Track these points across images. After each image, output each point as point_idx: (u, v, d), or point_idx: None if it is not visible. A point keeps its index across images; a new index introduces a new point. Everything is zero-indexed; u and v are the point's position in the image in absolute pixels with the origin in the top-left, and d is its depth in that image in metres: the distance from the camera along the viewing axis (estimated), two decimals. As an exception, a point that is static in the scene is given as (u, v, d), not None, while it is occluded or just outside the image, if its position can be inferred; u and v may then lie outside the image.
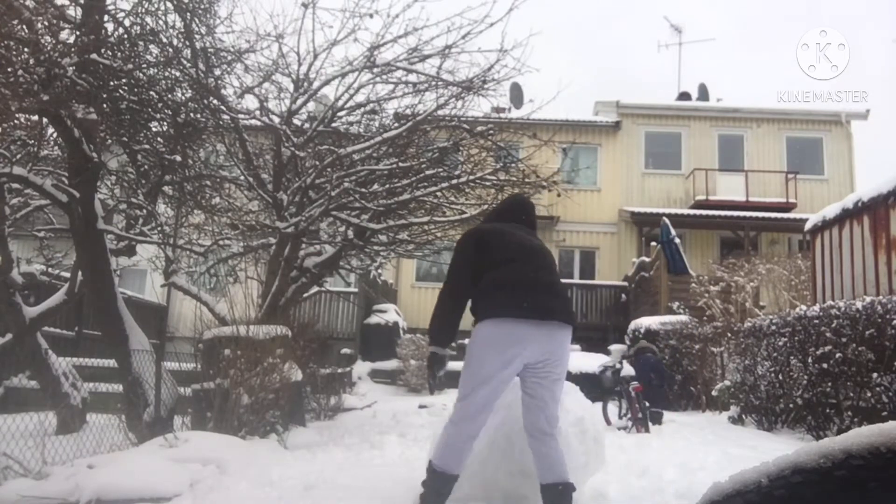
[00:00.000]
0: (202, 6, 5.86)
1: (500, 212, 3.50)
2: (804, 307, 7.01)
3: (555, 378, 3.04)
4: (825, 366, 5.90)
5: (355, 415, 8.58)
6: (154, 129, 6.03)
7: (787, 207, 17.61)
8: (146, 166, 6.35)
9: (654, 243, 15.36)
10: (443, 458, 2.99)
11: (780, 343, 6.69)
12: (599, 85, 42.45)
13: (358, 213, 7.07)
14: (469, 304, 3.12)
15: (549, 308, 2.96)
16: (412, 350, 12.91)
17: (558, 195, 8.86)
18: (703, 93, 21.08)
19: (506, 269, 3.03)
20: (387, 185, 7.05)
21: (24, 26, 4.37)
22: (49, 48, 4.48)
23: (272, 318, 6.32)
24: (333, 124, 7.37)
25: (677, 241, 14.42)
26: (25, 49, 4.34)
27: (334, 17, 6.52)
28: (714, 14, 46.97)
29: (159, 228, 6.80)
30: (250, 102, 7.15)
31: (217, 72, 6.27)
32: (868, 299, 5.76)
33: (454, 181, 7.25)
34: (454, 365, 11.43)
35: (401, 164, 6.86)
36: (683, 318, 11.09)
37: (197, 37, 5.76)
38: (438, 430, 3.87)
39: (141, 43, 5.43)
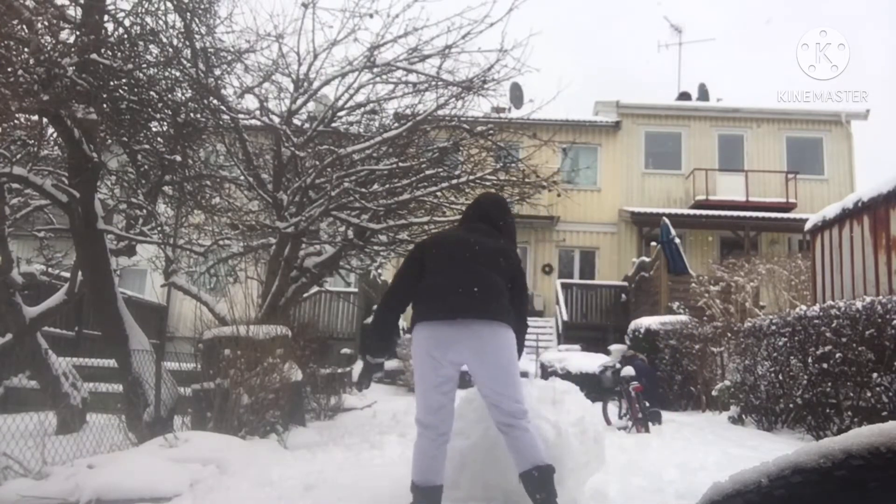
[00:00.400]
0: (202, 6, 5.86)
1: (463, 216, 3.55)
2: (804, 307, 7.00)
3: (491, 374, 3.01)
4: (825, 366, 5.90)
5: (355, 415, 8.58)
6: (154, 129, 6.03)
7: (787, 207, 17.62)
8: (146, 166, 6.35)
9: (654, 243, 15.36)
10: (414, 470, 3.05)
11: (780, 343, 6.68)
12: (599, 85, 42.47)
13: (358, 213, 7.07)
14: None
15: (461, 306, 2.97)
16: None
17: (558, 195, 8.86)
18: (703, 93, 21.09)
19: (430, 278, 3.10)
20: (387, 185, 7.06)
21: (24, 26, 4.37)
22: (49, 48, 4.47)
23: (272, 318, 6.32)
24: (333, 124, 7.37)
25: (677, 241, 14.43)
26: (25, 49, 4.34)
27: (334, 17, 6.54)
28: (714, 14, 46.98)
29: (159, 228, 6.80)
30: (250, 102, 7.17)
31: (217, 72, 6.27)
32: (868, 299, 5.76)
33: (454, 181, 7.25)
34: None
35: (401, 164, 6.87)
36: (683, 318, 11.09)
37: (197, 37, 5.76)
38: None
39: (141, 43, 5.43)
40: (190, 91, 5.94)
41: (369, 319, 15.15)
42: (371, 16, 6.42)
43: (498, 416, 3.01)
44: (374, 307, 3.25)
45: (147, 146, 5.98)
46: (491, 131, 7.28)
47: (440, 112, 6.88)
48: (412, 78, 6.89)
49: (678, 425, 7.19)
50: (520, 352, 3.20)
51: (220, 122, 6.60)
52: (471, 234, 3.28)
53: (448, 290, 3.03)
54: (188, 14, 5.58)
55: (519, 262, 3.35)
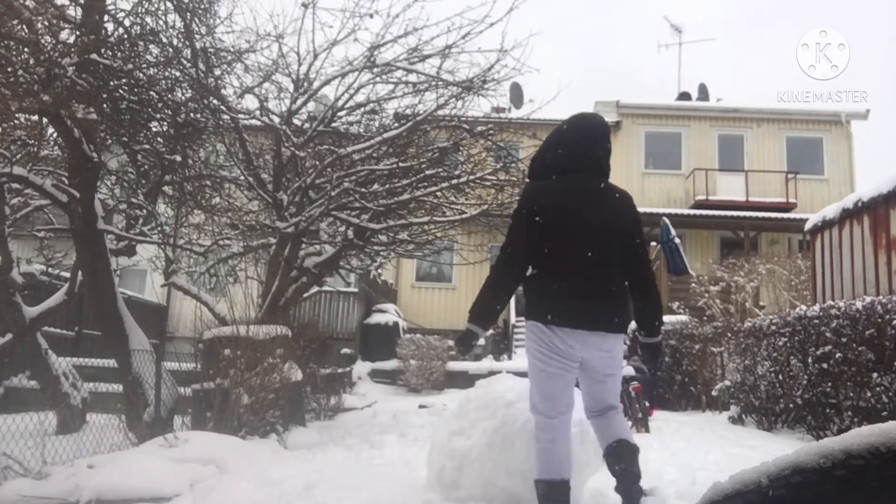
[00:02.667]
0: (202, 6, 5.86)
1: (562, 159, 2.89)
2: (804, 307, 7.00)
3: (607, 378, 2.94)
4: (825, 366, 5.90)
5: (355, 415, 8.58)
6: (154, 129, 6.03)
7: (787, 207, 17.61)
8: (146, 166, 6.35)
9: (654, 243, 15.35)
10: (543, 468, 2.85)
11: (780, 343, 6.68)
12: (599, 85, 42.46)
13: (358, 213, 7.07)
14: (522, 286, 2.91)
15: (590, 318, 2.76)
16: (412, 350, 12.91)
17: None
18: (703, 93, 21.08)
19: (558, 265, 2.77)
20: (387, 185, 7.06)
21: (24, 26, 4.37)
22: (49, 48, 4.48)
23: (272, 318, 6.32)
24: (333, 124, 7.38)
25: (677, 241, 14.42)
26: (25, 49, 4.34)
27: (334, 17, 6.54)
28: (714, 14, 46.98)
29: (159, 228, 6.80)
30: (250, 102, 7.17)
31: (217, 72, 6.28)
32: (868, 299, 5.76)
33: (454, 181, 7.26)
34: (453, 365, 11.42)
35: (401, 164, 6.87)
36: (683, 318, 11.09)
37: (197, 37, 5.76)
38: (438, 430, 3.88)
39: (141, 43, 5.44)
40: (190, 91, 5.94)
41: (370, 319, 15.15)
42: (371, 16, 6.43)
43: (596, 405, 2.99)
44: (489, 277, 2.95)
45: (147, 146, 5.98)
46: (491, 131, 7.29)
47: (440, 112, 6.88)
48: (412, 78, 6.89)
49: (678, 425, 7.18)
50: (659, 326, 2.97)
51: (220, 122, 6.61)
52: (585, 198, 2.80)
53: (575, 295, 2.74)
54: (188, 14, 5.58)
55: (635, 218, 2.95)
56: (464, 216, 7.55)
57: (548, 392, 2.87)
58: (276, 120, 6.96)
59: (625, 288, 2.88)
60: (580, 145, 2.86)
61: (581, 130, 2.91)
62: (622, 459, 2.88)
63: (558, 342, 2.77)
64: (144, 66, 5.43)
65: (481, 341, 15.95)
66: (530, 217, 2.80)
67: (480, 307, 2.94)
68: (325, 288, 11.23)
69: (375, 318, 14.57)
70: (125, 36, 5.30)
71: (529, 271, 2.88)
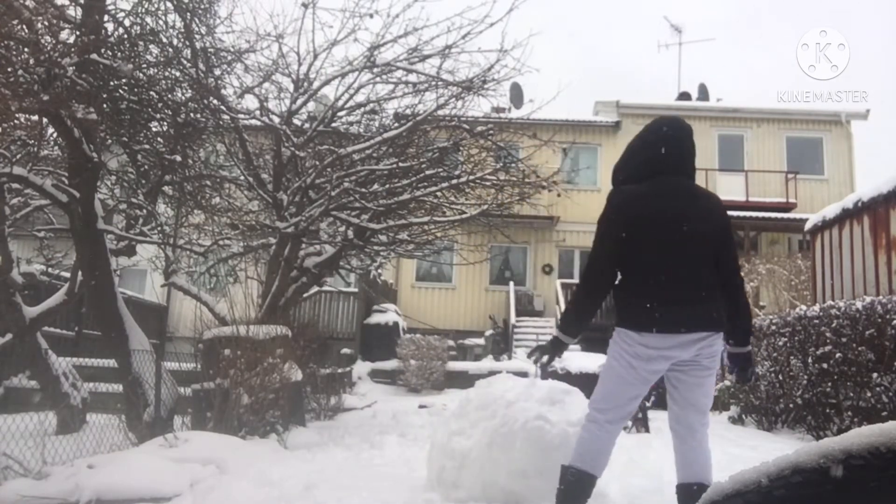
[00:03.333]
0: (202, 6, 5.86)
1: (651, 161, 2.82)
2: (804, 307, 7.00)
3: (697, 387, 2.81)
4: (825, 366, 5.90)
5: (355, 415, 8.58)
6: (154, 129, 6.03)
7: (787, 207, 17.61)
8: (146, 166, 6.35)
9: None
10: (577, 456, 2.81)
11: (780, 343, 6.68)
12: (599, 85, 42.46)
13: (358, 213, 7.07)
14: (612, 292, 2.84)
15: (687, 320, 2.67)
16: (412, 350, 12.91)
17: (558, 195, 8.87)
18: (703, 93, 21.08)
19: (652, 272, 2.70)
20: (387, 185, 7.06)
21: (24, 26, 4.37)
22: (49, 48, 4.48)
23: (272, 318, 6.32)
24: (333, 124, 7.37)
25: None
26: (25, 49, 4.34)
27: (334, 17, 6.54)
28: (714, 14, 46.98)
29: (159, 228, 6.80)
30: (250, 102, 7.17)
31: (217, 72, 6.28)
32: (868, 299, 5.76)
33: (454, 181, 7.26)
34: (453, 365, 11.44)
35: (401, 164, 6.87)
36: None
37: (197, 37, 5.76)
38: (438, 430, 3.89)
39: (141, 43, 5.44)
40: (190, 91, 5.94)
41: (370, 319, 15.10)
42: (371, 16, 6.43)
43: (686, 416, 2.84)
44: (578, 284, 2.88)
45: (147, 146, 5.98)
46: (491, 131, 7.28)
47: (440, 112, 6.88)
48: (412, 78, 6.89)
49: (678, 425, 7.17)
50: (749, 336, 2.85)
51: (220, 122, 6.60)
52: (677, 203, 2.74)
53: (670, 297, 2.67)
54: (188, 14, 5.58)
55: (727, 221, 2.86)
56: (464, 216, 7.55)
57: (616, 398, 2.82)
58: (276, 120, 6.96)
59: (718, 290, 2.79)
60: (669, 147, 2.81)
61: (669, 132, 2.85)
62: None
63: (652, 351, 2.69)
64: (144, 66, 5.43)
65: (480, 341, 15.99)
66: (623, 223, 2.74)
67: (572, 316, 2.90)
68: (325, 288, 11.23)
69: (375, 318, 14.57)
70: (125, 36, 5.30)
71: (620, 278, 2.81)
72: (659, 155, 2.80)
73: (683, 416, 2.85)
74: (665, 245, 2.70)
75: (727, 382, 8.15)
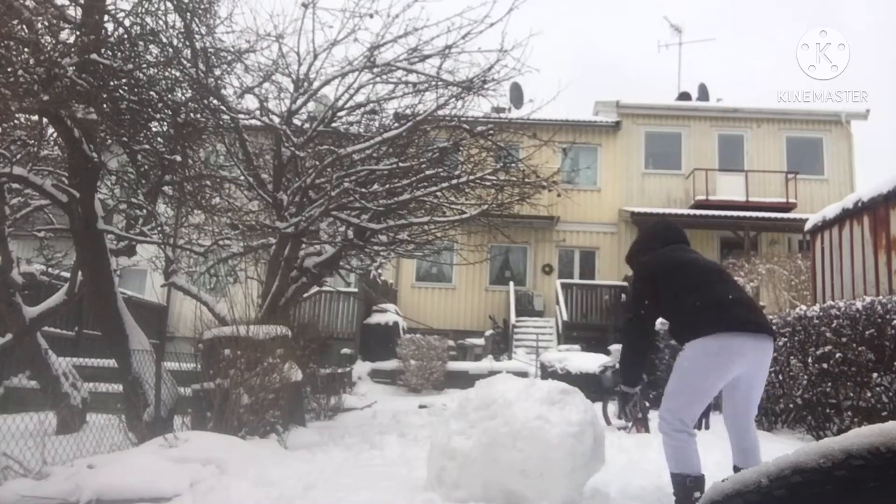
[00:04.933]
0: (202, 6, 5.86)
1: (662, 238, 3.65)
2: (804, 307, 7.00)
3: (758, 386, 3.28)
4: (825, 366, 5.90)
5: (355, 415, 8.59)
6: (154, 129, 6.02)
7: (787, 207, 17.61)
8: (146, 166, 6.35)
9: (654, 243, 15.34)
10: (683, 465, 3.18)
11: (780, 343, 6.68)
12: (599, 85, 42.44)
13: (358, 213, 7.07)
14: (667, 328, 3.44)
15: (759, 322, 3.20)
16: (412, 350, 12.91)
17: (558, 195, 8.87)
18: (703, 93, 21.08)
19: (707, 289, 3.26)
20: (387, 185, 7.05)
21: (24, 26, 4.37)
22: (49, 48, 4.47)
23: (272, 318, 6.31)
24: (333, 124, 7.37)
25: (677, 241, 14.41)
26: (25, 49, 4.33)
27: (334, 17, 6.53)
28: (714, 14, 46.97)
29: (159, 228, 6.80)
30: (250, 102, 7.17)
31: (217, 72, 6.27)
32: (868, 299, 5.76)
33: (454, 181, 7.25)
34: (453, 365, 11.44)
35: (401, 164, 6.86)
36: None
37: (197, 37, 5.76)
38: (438, 430, 3.88)
39: (141, 43, 5.43)
40: (190, 91, 5.94)
41: (370, 319, 15.09)
42: (371, 16, 6.42)
43: (741, 416, 3.32)
44: (623, 338, 3.66)
45: (147, 146, 5.98)
46: (491, 131, 7.28)
47: (440, 112, 6.88)
48: (412, 78, 6.88)
49: (678, 425, 7.17)
50: None
51: (220, 122, 6.60)
52: (691, 252, 3.57)
53: (739, 303, 3.22)
54: (188, 14, 5.58)
55: None
56: (464, 216, 7.55)
57: (696, 404, 3.23)
58: (276, 120, 6.96)
59: None
60: (673, 229, 3.73)
61: (669, 223, 3.87)
62: None
63: (736, 351, 3.11)
64: (144, 66, 5.43)
65: (480, 341, 16.00)
66: (669, 268, 3.43)
67: (630, 370, 3.59)
68: (325, 288, 11.23)
69: (375, 318, 14.57)
70: (125, 36, 5.30)
71: (677, 307, 3.30)
72: (670, 233, 3.66)
73: (743, 412, 3.31)
74: (710, 272, 3.38)
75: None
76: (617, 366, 7.81)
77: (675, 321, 3.35)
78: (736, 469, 3.26)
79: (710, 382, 3.18)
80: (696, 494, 3.12)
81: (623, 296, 16.38)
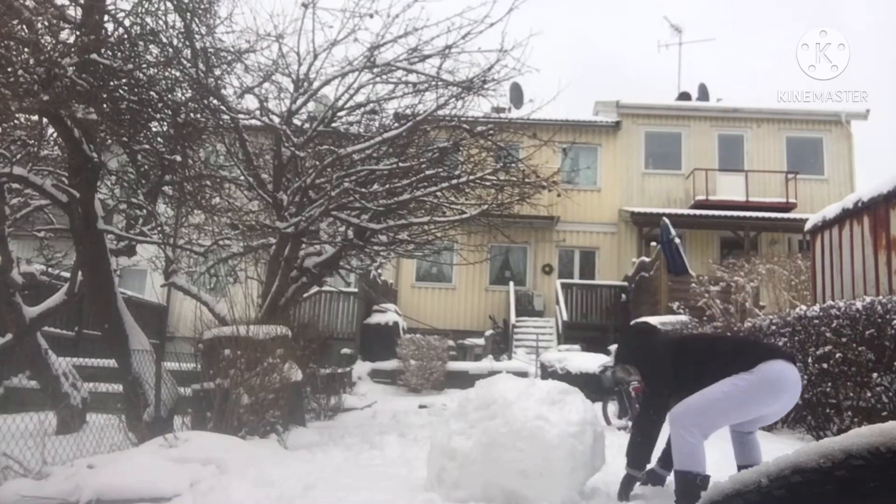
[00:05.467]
0: (202, 6, 5.86)
1: (651, 331, 4.00)
2: (804, 307, 7.00)
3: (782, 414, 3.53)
4: (825, 366, 5.90)
5: (355, 415, 8.59)
6: (154, 129, 6.02)
7: (787, 207, 17.61)
8: (146, 166, 6.35)
9: (654, 243, 15.36)
10: (694, 464, 3.23)
11: (780, 343, 6.68)
12: (599, 84, 42.43)
13: (358, 213, 7.07)
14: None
15: (790, 353, 3.46)
16: (412, 350, 12.91)
17: (558, 195, 8.87)
18: (703, 93, 21.07)
19: (730, 341, 3.75)
20: (387, 185, 7.05)
21: (24, 26, 4.37)
22: (49, 48, 4.47)
23: (272, 318, 6.31)
24: (333, 124, 7.36)
25: (677, 241, 14.42)
26: (25, 49, 4.33)
27: (334, 17, 6.53)
28: (714, 14, 46.97)
29: (159, 228, 6.80)
30: (250, 102, 7.16)
31: (217, 72, 6.27)
32: (868, 299, 5.76)
33: (454, 181, 7.25)
34: (453, 365, 11.43)
35: (401, 164, 6.86)
36: (683, 318, 11.08)
37: (197, 37, 5.76)
38: (438, 430, 3.88)
39: (141, 43, 5.43)
40: (190, 91, 5.94)
41: (370, 319, 15.06)
42: (371, 16, 6.42)
43: (749, 427, 3.49)
44: (643, 417, 3.79)
45: (147, 146, 5.98)
46: (491, 131, 7.28)
47: (440, 112, 6.87)
48: (412, 78, 6.88)
49: (678, 425, 7.17)
50: None
51: (220, 122, 6.60)
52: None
53: (759, 341, 3.59)
54: (188, 14, 5.58)
55: None
56: (464, 216, 7.55)
57: (724, 423, 3.32)
58: (276, 120, 6.96)
59: None
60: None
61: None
62: None
63: (789, 383, 3.24)
64: (144, 66, 5.43)
65: (481, 341, 16.00)
66: (686, 344, 3.81)
67: (640, 455, 3.67)
68: (325, 288, 11.22)
69: (375, 318, 14.56)
70: (125, 36, 5.30)
71: (703, 368, 3.41)
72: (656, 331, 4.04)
73: (749, 426, 3.47)
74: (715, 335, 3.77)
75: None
76: (617, 371, 7.82)
77: (710, 374, 3.35)
78: (740, 468, 3.36)
79: (751, 408, 3.27)
80: (702, 494, 3.14)
81: (623, 296, 16.39)
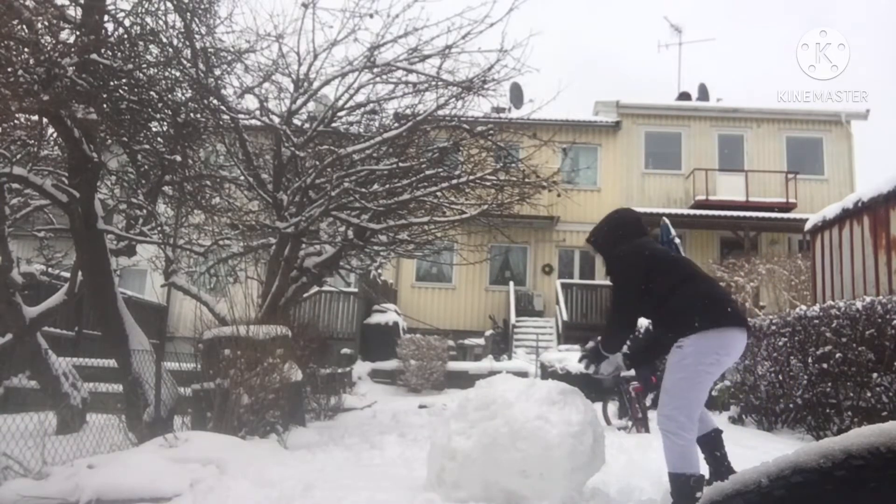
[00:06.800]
0: (202, 6, 5.86)
1: (636, 228, 3.62)
2: (804, 307, 7.00)
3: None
4: (825, 366, 5.90)
5: (355, 415, 8.59)
6: (154, 129, 6.02)
7: (787, 207, 17.61)
8: (146, 166, 6.35)
9: (654, 243, 15.34)
10: (687, 465, 3.17)
11: (780, 343, 6.68)
12: (599, 85, 42.45)
13: (358, 213, 7.07)
14: (652, 322, 3.46)
15: (743, 315, 3.25)
16: (412, 350, 12.91)
17: (558, 195, 8.87)
18: (703, 93, 21.07)
19: (700, 283, 3.30)
20: (387, 185, 7.05)
21: (24, 26, 4.37)
22: (49, 48, 4.47)
23: (272, 318, 6.31)
24: (333, 124, 7.37)
25: (677, 241, 14.38)
26: (25, 49, 4.33)
27: (334, 17, 6.53)
28: (714, 14, 46.98)
29: (159, 228, 6.79)
30: (250, 102, 7.16)
31: (217, 72, 6.27)
32: (868, 299, 5.76)
33: (454, 181, 7.25)
34: (453, 365, 11.43)
35: (401, 164, 6.86)
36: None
37: (197, 37, 5.76)
38: (438, 430, 3.88)
39: (141, 43, 5.43)
40: (190, 91, 5.93)
41: (370, 319, 15.09)
42: (371, 16, 6.42)
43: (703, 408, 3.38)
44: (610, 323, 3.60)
45: (147, 146, 5.98)
46: (491, 131, 7.28)
47: (440, 112, 6.88)
48: (412, 78, 6.88)
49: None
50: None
51: (220, 122, 6.60)
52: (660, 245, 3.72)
53: (730, 299, 3.31)
54: (188, 14, 5.58)
55: None
56: (464, 216, 7.55)
57: (697, 402, 3.21)
58: (276, 120, 6.96)
59: None
60: (642, 223, 3.70)
61: (637, 216, 3.79)
62: (722, 446, 3.45)
63: (732, 348, 3.18)
64: (144, 66, 5.42)
65: (480, 341, 15.99)
66: (658, 257, 3.45)
67: (615, 341, 3.55)
68: (325, 288, 11.22)
69: (375, 318, 14.56)
70: (125, 36, 5.30)
71: (667, 295, 3.26)
72: (641, 227, 3.66)
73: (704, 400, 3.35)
74: (695, 267, 3.42)
75: (727, 382, 8.15)
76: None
77: (667, 313, 3.28)
78: (700, 445, 3.38)
79: (712, 377, 3.21)
80: (698, 494, 3.11)
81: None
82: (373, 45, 6.54)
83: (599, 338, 3.59)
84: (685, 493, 3.13)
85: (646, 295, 3.30)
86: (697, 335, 3.12)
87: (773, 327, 6.94)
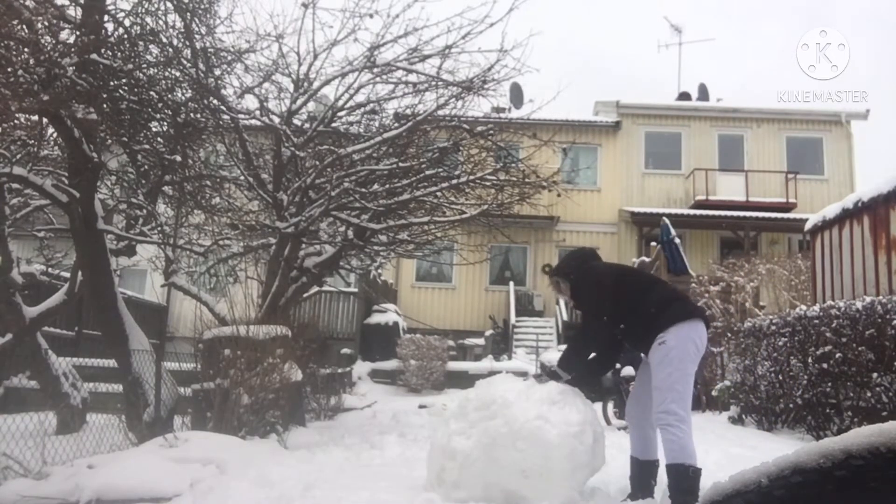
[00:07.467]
0: (202, 6, 5.86)
1: (592, 256, 4.04)
2: (804, 307, 7.00)
3: None
4: (825, 366, 5.90)
5: (355, 415, 8.59)
6: (154, 129, 6.02)
7: (787, 207, 17.61)
8: (146, 166, 6.34)
9: (653, 243, 15.35)
10: (686, 455, 3.27)
11: (780, 343, 6.68)
12: (599, 85, 42.45)
13: (358, 213, 7.06)
14: (625, 327, 3.58)
15: (705, 312, 3.60)
16: (412, 350, 12.91)
17: (558, 195, 8.87)
18: (703, 93, 21.07)
19: (663, 287, 3.72)
20: (387, 185, 7.05)
21: (24, 26, 4.37)
22: (49, 48, 4.47)
23: (272, 318, 6.31)
24: (333, 124, 7.36)
25: (677, 241, 14.41)
26: (25, 49, 4.33)
27: (334, 17, 6.53)
28: (714, 14, 46.97)
29: (159, 228, 6.79)
30: (250, 102, 7.16)
31: (217, 72, 6.27)
32: (868, 299, 5.76)
33: (454, 181, 7.25)
34: (453, 365, 11.49)
35: (401, 164, 6.86)
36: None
37: (197, 37, 5.75)
38: (438, 430, 3.88)
39: (141, 43, 5.43)
40: (190, 91, 5.93)
41: (370, 319, 15.11)
42: (371, 16, 6.42)
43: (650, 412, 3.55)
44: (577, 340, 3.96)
45: (147, 146, 5.97)
46: (491, 131, 7.27)
47: (440, 112, 6.87)
48: (412, 78, 6.88)
49: (678, 425, 7.17)
50: None
51: (220, 122, 6.59)
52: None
53: (688, 297, 3.70)
54: (188, 14, 5.58)
55: None
56: (464, 216, 7.55)
57: (688, 393, 3.38)
58: (276, 120, 6.96)
59: None
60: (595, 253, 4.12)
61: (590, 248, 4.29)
62: (654, 477, 3.71)
63: (703, 339, 3.43)
64: (144, 66, 5.42)
65: (480, 341, 15.99)
66: (623, 272, 3.87)
67: (575, 362, 3.76)
68: (325, 288, 11.23)
69: (375, 318, 14.56)
70: (125, 36, 5.30)
71: (640, 300, 3.52)
72: (595, 254, 4.08)
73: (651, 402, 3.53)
74: (653, 276, 4.02)
75: (727, 382, 8.15)
76: (617, 365, 7.82)
77: (643, 315, 3.47)
78: (635, 461, 3.61)
79: (694, 368, 3.39)
80: (695, 485, 3.20)
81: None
82: (373, 45, 6.54)
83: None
84: (684, 485, 3.16)
85: (616, 305, 3.53)
86: (676, 327, 3.34)
87: (773, 327, 6.94)
